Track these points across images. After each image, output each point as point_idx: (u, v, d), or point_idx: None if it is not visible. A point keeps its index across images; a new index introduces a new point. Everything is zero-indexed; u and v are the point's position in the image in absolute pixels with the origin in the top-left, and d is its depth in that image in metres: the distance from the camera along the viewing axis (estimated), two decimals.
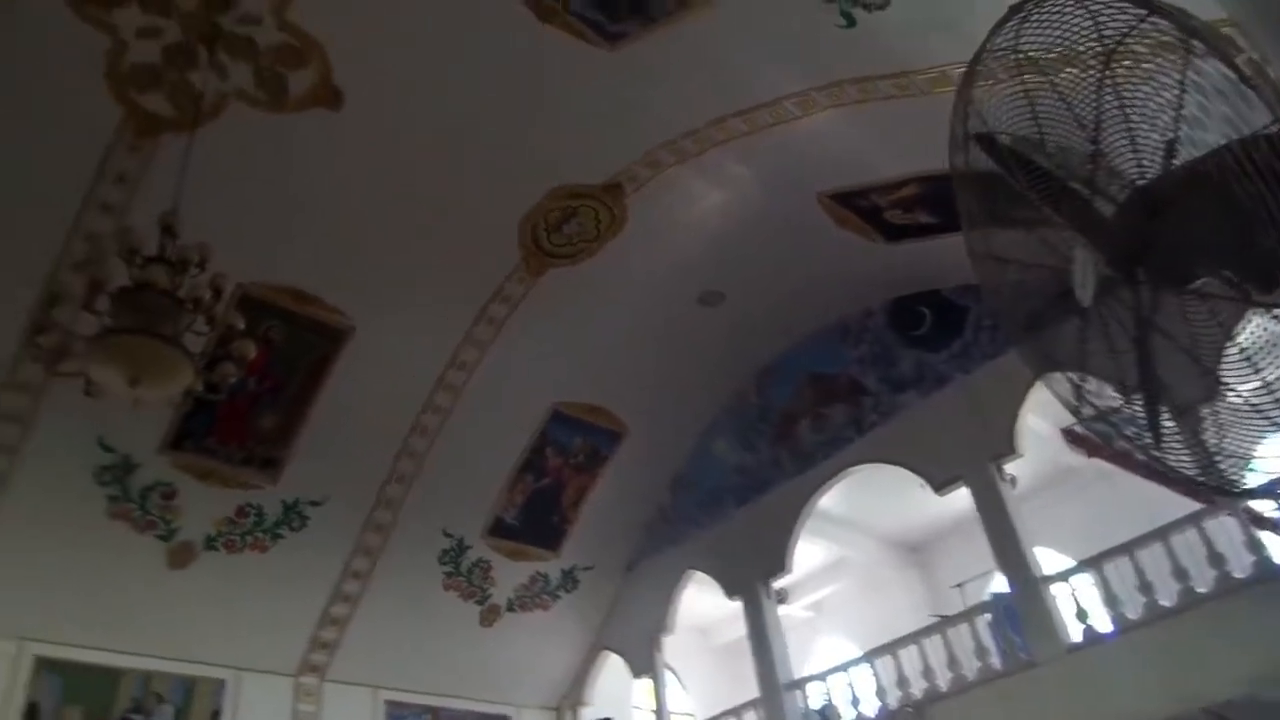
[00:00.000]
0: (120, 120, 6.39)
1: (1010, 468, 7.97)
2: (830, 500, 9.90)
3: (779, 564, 9.50)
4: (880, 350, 9.41)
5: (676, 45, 6.56)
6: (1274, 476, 2.62)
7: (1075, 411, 2.86)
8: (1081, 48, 2.39)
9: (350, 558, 9.14)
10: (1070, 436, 7.24)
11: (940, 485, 8.34)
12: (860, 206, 8.24)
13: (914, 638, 8.45)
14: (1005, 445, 7.85)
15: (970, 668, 7.76)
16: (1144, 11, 2.18)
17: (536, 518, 10.34)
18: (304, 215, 7.33)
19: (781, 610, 9.97)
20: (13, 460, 7.18)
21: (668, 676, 10.93)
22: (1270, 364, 2.37)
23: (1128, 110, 2.37)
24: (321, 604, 9.12)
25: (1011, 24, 2.41)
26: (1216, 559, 6.50)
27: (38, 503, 7.39)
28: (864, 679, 8.70)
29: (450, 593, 9.95)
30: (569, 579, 10.84)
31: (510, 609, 10.47)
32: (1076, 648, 6.97)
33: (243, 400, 7.91)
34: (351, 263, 7.75)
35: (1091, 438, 5.57)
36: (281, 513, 8.66)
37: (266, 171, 6.95)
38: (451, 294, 8.38)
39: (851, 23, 6.17)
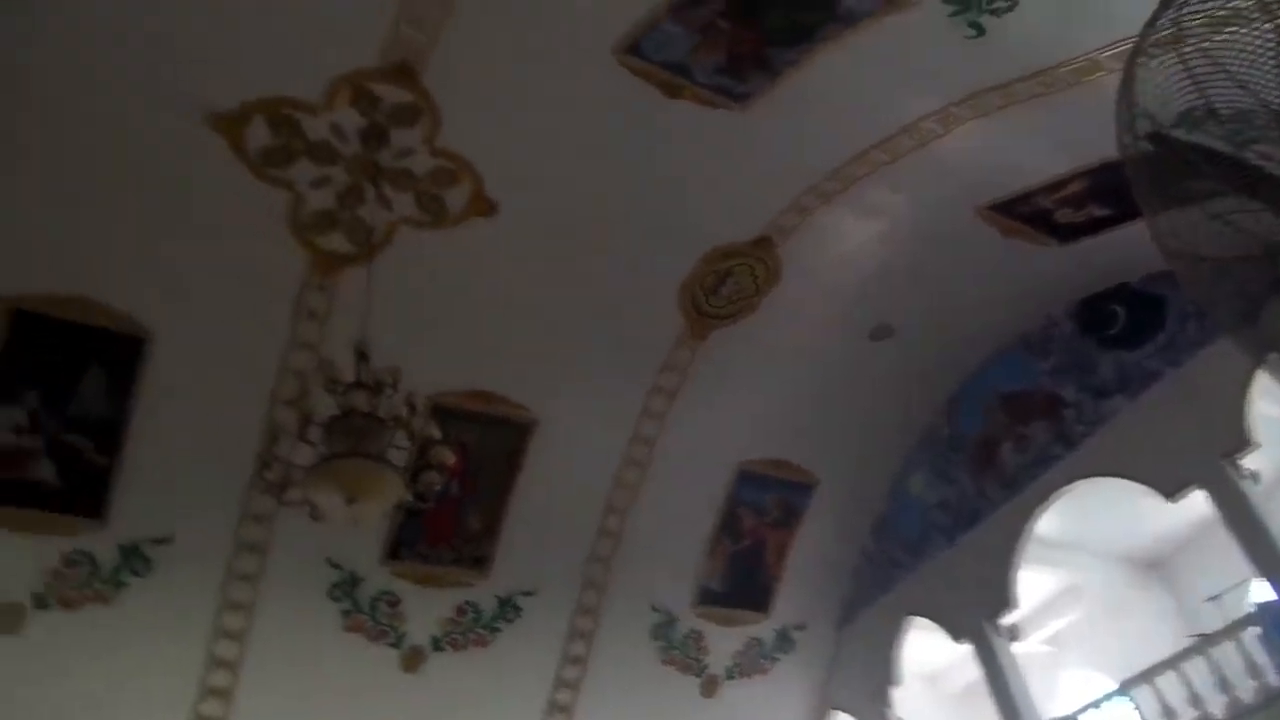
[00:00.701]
0: (307, 264, 7.03)
1: (1248, 462, 7.21)
2: (1048, 524, 9.24)
3: (1003, 599, 8.92)
4: (1073, 358, 8.83)
5: (805, 91, 6.57)
6: None
7: None
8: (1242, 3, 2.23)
9: (566, 644, 9.33)
10: None
11: (1171, 492, 7.64)
12: (1024, 213, 7.87)
13: (1172, 662, 7.72)
14: (1237, 438, 7.13)
15: (1246, 689, 6.98)
16: None
17: (741, 581, 10.23)
18: (479, 320, 7.74)
19: (1016, 648, 9.38)
20: (255, 587, 7.85)
21: None
22: None
23: None
24: (546, 692, 9.32)
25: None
26: None
27: (281, 624, 8.01)
28: (1123, 714, 7.98)
29: (668, 667, 9.94)
30: (784, 640, 10.61)
31: (730, 677, 10.32)
32: None
33: (447, 504, 8.31)
34: (527, 357, 8.10)
35: None
36: (497, 607, 8.97)
37: (439, 286, 7.41)
38: (622, 372, 8.57)
39: (981, 31, 6.02)
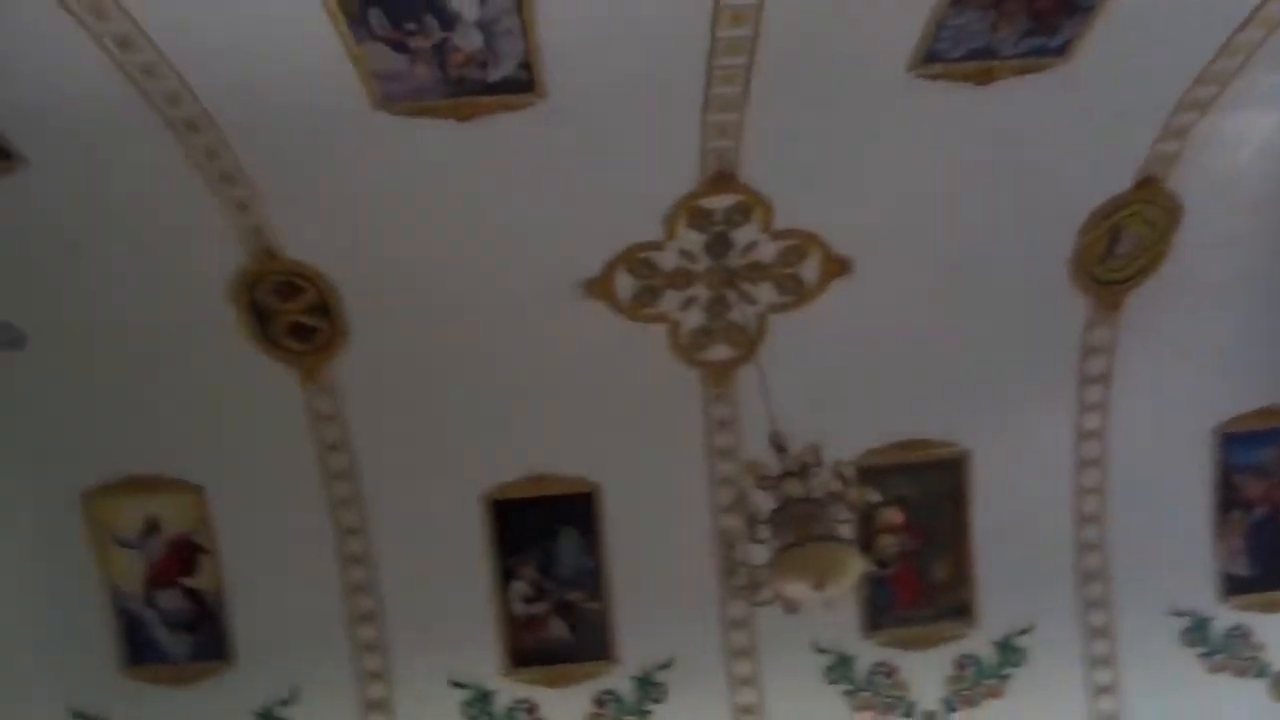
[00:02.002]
0: (698, 379, 7.51)
1: None
2: None
3: None
4: None
5: (1129, 10, 5.88)
6: None
7: None
8: None
9: (1088, 673, 8.49)
10: None
11: None
12: None
13: None
14: None
15: None
16: None
17: (1270, 556, 8.70)
18: (874, 374, 7.64)
19: None
20: (758, 689, 8.19)
21: None
22: None
23: None
24: None
25: None
26: None
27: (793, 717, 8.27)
28: None
29: (1219, 674, 8.63)
30: None
31: None
32: None
33: (907, 562, 8.11)
34: (934, 394, 7.81)
35: None
36: (997, 653, 8.47)
37: (825, 355, 7.47)
38: (1041, 374, 7.92)
39: None
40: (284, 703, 8.22)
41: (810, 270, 7.05)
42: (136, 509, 7.75)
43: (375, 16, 5.12)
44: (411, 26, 5.20)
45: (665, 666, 8.20)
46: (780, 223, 6.72)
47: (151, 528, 7.80)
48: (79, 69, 5.26)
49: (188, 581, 7.97)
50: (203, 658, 8.10)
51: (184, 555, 7.87)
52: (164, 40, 5.18)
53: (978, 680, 8.46)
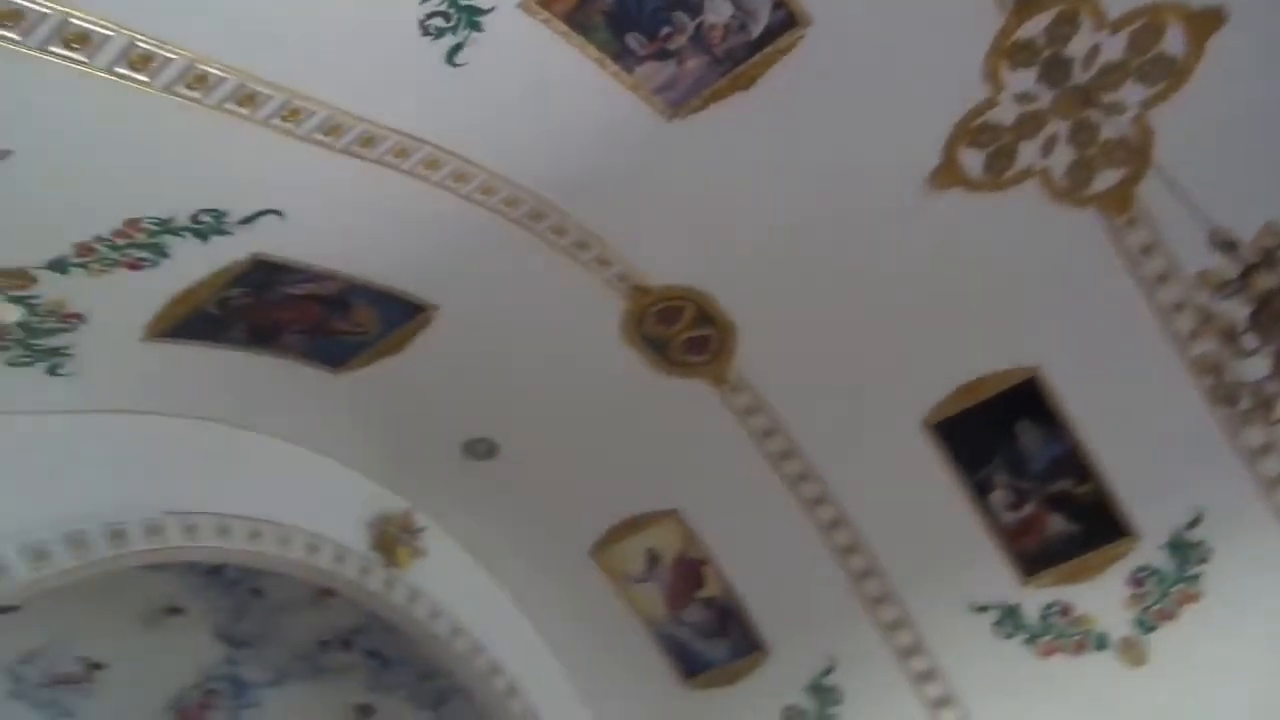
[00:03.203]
0: (1096, 216, 6.72)
1: None
2: None
3: None
4: None
5: None
6: None
7: None
8: None
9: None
10: None
11: None
12: None
13: None
14: None
15: None
16: None
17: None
18: None
19: None
20: None
21: None
22: None
23: None
24: None
25: None
26: None
27: None
28: None
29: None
30: None
31: None
32: None
33: None
34: None
35: None
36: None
37: (1227, 131, 6.23)
38: None
39: None
40: (826, 672, 8.66)
41: (1174, 42, 6.02)
42: (635, 548, 8.70)
43: (633, 40, 5.35)
44: (666, 30, 5.35)
45: (1194, 524, 7.36)
46: (1114, 9, 5.84)
47: (653, 559, 8.70)
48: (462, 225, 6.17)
49: (700, 594, 8.76)
50: (741, 654, 8.83)
51: (689, 573, 8.66)
52: (492, 162, 5.89)
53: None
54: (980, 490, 7.68)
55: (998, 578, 7.85)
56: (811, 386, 7.64)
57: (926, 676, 8.21)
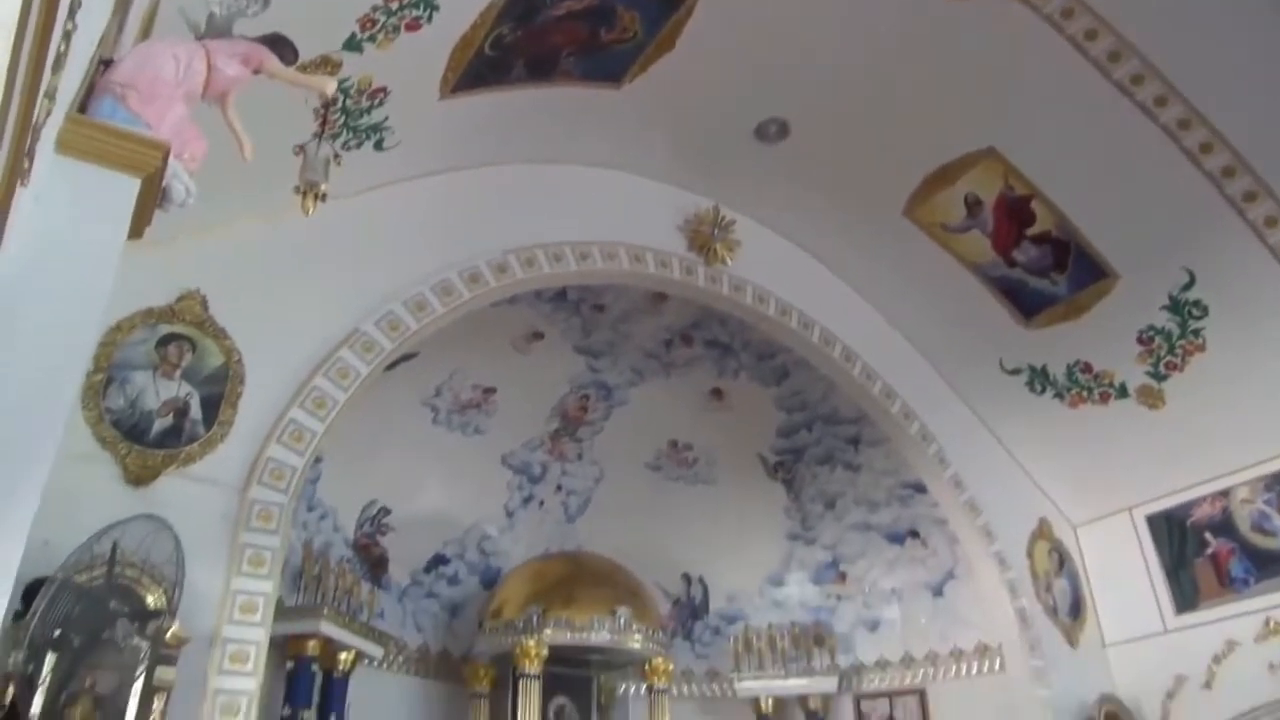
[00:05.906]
0: None
1: None
2: None
3: None
4: None
5: None
6: None
7: None
8: None
9: None
10: None
11: None
12: None
13: None
14: None
15: None
16: None
17: None
18: None
19: None
20: None
21: None
22: None
23: None
24: None
25: None
26: None
27: None
28: None
29: None
30: None
31: None
32: None
33: None
34: None
35: None
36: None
37: None
38: None
39: None
40: (1185, 287, 8.01)
41: None
42: (952, 197, 8.26)
43: None
44: None
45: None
46: None
47: (973, 204, 8.22)
48: None
49: (1031, 231, 8.23)
50: (1085, 284, 8.34)
51: (1015, 211, 8.11)
52: None
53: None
54: None
55: None
56: None
57: None
